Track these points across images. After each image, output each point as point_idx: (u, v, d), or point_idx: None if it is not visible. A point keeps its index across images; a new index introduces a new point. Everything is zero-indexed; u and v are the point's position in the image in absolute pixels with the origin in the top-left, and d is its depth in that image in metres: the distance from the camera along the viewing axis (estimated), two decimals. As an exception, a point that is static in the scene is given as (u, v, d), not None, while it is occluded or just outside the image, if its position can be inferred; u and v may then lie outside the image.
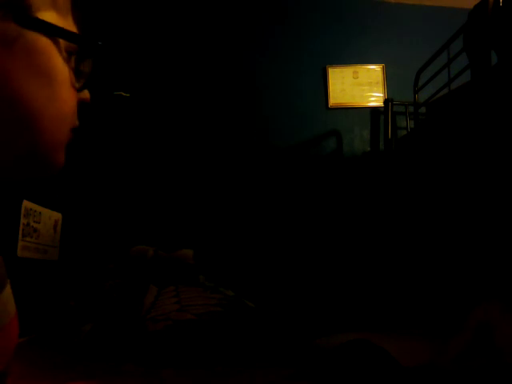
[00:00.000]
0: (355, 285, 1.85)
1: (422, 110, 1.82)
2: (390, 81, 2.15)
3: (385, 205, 1.90)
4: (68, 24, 0.40)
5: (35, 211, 1.39)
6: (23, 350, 1.10)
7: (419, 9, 2.24)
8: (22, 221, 1.29)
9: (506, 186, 1.04)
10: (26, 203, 1.31)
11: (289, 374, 0.87)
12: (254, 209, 1.97)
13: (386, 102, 2.00)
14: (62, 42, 0.38)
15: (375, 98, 2.14)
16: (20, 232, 1.27)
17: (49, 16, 0.37)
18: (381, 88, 2.15)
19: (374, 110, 2.14)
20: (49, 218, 1.52)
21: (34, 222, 1.38)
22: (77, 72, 0.41)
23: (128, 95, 2.00)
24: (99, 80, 2.01)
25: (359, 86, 2.15)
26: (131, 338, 1.10)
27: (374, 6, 2.23)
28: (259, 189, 2.00)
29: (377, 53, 2.18)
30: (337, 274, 1.88)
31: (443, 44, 1.56)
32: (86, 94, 0.45)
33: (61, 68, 0.38)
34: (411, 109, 1.91)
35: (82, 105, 0.45)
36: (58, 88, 0.38)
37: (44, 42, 0.36)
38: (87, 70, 0.42)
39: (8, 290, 0.44)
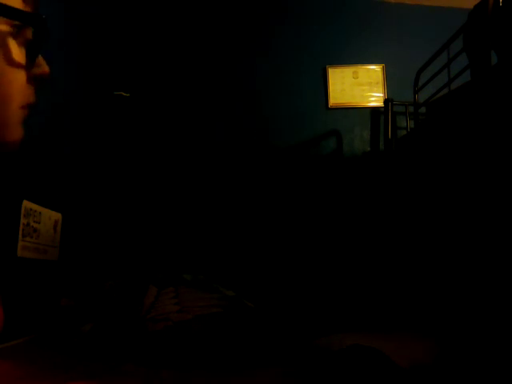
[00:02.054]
0: (355, 285, 1.85)
1: (422, 110, 1.82)
2: (390, 81, 2.15)
3: (385, 205, 1.90)
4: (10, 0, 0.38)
5: (35, 211, 1.39)
6: (23, 350, 1.11)
7: (419, 9, 2.24)
8: (22, 221, 1.29)
9: (505, 185, 1.04)
10: (25, 203, 1.31)
11: (288, 374, 0.87)
12: (254, 209, 1.97)
13: (386, 101, 2.00)
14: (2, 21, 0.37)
15: (375, 98, 2.14)
16: (20, 232, 1.27)
17: None
18: (381, 88, 2.15)
19: (374, 110, 2.14)
20: (49, 218, 1.52)
21: (34, 222, 1.38)
22: (31, 49, 0.41)
23: (128, 95, 2.00)
24: (99, 80, 2.02)
25: (359, 86, 2.15)
26: (131, 338, 1.10)
27: (374, 6, 2.23)
28: (259, 189, 2.00)
29: (377, 53, 2.18)
30: (336, 274, 1.88)
31: (443, 44, 1.56)
32: (42, 68, 0.44)
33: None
34: (411, 109, 1.92)
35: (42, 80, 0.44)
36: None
37: None
38: (34, 44, 0.41)
39: None
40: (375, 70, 2.17)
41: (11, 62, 0.39)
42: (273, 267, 1.89)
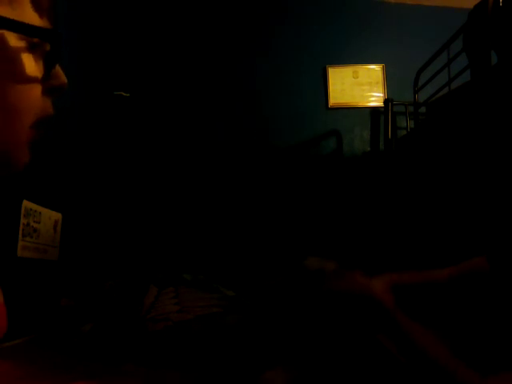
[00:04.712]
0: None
1: (422, 109, 1.82)
2: (390, 81, 2.15)
3: (385, 204, 1.90)
4: (23, 13, 0.37)
5: (35, 211, 1.39)
6: (23, 350, 1.11)
7: (419, 9, 2.24)
8: (22, 221, 1.29)
9: (505, 185, 1.04)
10: (25, 203, 1.31)
11: (290, 376, 0.87)
12: (254, 209, 1.97)
13: (385, 101, 2.00)
14: (14, 34, 0.36)
15: (375, 98, 2.14)
16: (20, 232, 1.27)
17: None
18: (381, 88, 2.15)
19: (374, 110, 2.14)
20: (49, 218, 1.52)
21: (34, 222, 1.38)
22: (47, 61, 0.39)
23: (128, 95, 2.00)
24: (99, 80, 2.02)
25: (359, 86, 2.15)
26: (131, 338, 1.10)
27: (374, 6, 2.23)
28: (259, 189, 2.00)
29: (377, 53, 2.18)
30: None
31: (443, 44, 1.56)
32: (60, 79, 0.42)
33: (9, 63, 0.36)
34: (411, 109, 1.92)
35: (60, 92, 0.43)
36: (7, 85, 0.36)
37: None
38: (50, 56, 0.40)
39: None
40: (375, 69, 2.17)
41: (24, 79, 0.38)
42: (273, 267, 1.89)
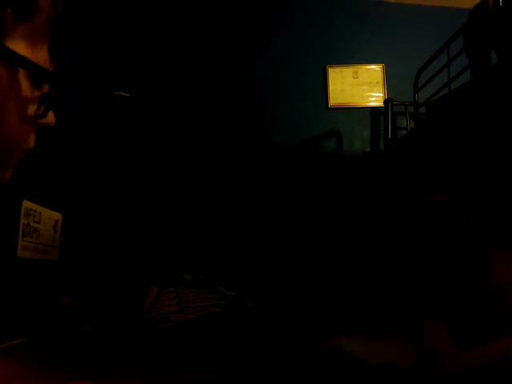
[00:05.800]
0: (356, 285, 1.85)
1: (422, 109, 1.82)
2: (390, 81, 2.15)
3: (385, 205, 1.90)
4: (39, 55, 0.40)
5: (35, 211, 1.39)
6: (23, 349, 1.11)
7: (419, 9, 2.24)
8: (22, 221, 1.29)
9: (506, 185, 1.04)
10: (26, 203, 1.31)
11: (289, 376, 0.87)
12: (254, 209, 1.97)
13: (386, 101, 2.00)
14: (24, 72, 0.38)
15: (375, 98, 2.14)
16: (20, 232, 1.27)
17: (18, 45, 0.36)
18: (381, 88, 2.15)
19: (373, 109, 2.14)
20: (49, 218, 1.52)
21: (34, 222, 1.38)
22: (44, 99, 0.42)
23: (128, 95, 2.00)
24: (99, 80, 2.02)
25: (359, 86, 2.15)
26: (131, 338, 1.11)
27: (374, 6, 2.23)
28: (259, 189, 2.00)
29: (377, 53, 2.18)
30: (337, 274, 1.88)
31: (443, 44, 1.57)
32: (48, 118, 0.45)
33: (13, 98, 0.38)
34: (411, 109, 1.92)
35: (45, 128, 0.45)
36: (6, 117, 0.38)
37: (2, 70, 0.36)
38: (51, 97, 0.42)
39: None
40: (375, 69, 2.17)
41: (19, 110, 0.39)
42: (274, 267, 1.89)
